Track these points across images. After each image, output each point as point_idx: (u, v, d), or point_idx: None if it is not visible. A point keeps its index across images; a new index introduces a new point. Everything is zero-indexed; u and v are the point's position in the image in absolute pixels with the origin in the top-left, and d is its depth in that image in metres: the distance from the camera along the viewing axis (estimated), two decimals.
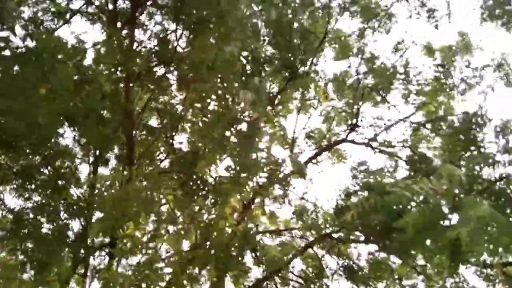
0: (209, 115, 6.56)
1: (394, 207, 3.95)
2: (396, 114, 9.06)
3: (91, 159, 7.49)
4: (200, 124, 7.92)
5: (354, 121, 9.07)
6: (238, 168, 6.39)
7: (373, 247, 8.17)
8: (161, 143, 7.26)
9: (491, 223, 3.36)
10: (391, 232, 4.89)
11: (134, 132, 6.60)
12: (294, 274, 9.10)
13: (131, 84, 6.16)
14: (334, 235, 8.33)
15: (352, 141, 9.23)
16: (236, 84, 6.11)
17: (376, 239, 5.44)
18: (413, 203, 3.78)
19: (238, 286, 9.21)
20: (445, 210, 3.80)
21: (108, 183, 7.57)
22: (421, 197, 3.75)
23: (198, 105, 7.54)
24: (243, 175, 6.38)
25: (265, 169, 6.74)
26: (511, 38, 8.57)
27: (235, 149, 6.37)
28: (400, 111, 9.03)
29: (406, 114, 8.98)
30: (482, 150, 6.81)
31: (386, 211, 4.33)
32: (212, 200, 6.66)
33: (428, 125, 8.61)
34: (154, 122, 7.70)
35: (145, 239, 8.61)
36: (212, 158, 6.52)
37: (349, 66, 8.98)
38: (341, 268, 8.93)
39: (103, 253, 8.47)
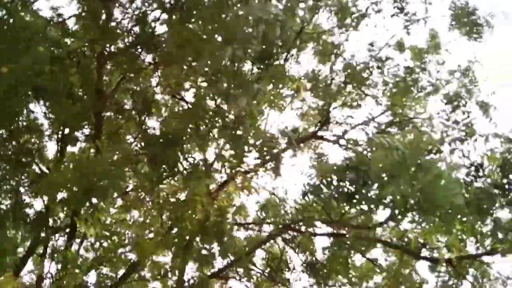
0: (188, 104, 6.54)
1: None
2: (366, 114, 9.34)
3: (60, 137, 7.34)
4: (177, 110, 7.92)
5: (325, 118, 9.29)
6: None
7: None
8: (131, 125, 7.21)
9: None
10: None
11: (104, 111, 6.52)
12: (255, 266, 9.22)
13: (105, 63, 6.09)
14: (296, 227, 8.53)
15: (321, 137, 9.44)
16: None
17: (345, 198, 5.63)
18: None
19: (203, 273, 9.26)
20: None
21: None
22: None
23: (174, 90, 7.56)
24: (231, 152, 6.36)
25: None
26: (476, 48, 8.99)
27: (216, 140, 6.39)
28: (370, 111, 9.31)
29: (375, 114, 9.25)
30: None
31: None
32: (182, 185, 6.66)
33: (394, 127, 8.91)
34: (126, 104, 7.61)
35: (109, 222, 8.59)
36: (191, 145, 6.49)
37: (331, 68, 9.15)
38: (303, 264, 9.14)
39: (64, 234, 8.34)
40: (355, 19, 8.54)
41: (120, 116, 6.97)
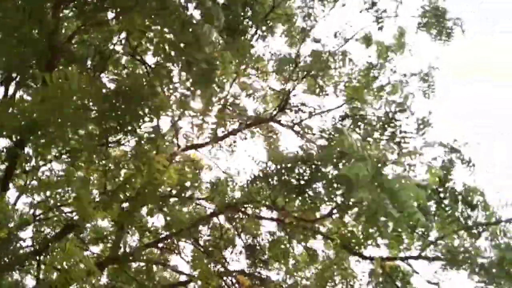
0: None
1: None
2: (324, 104, 9.41)
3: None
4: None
5: (284, 103, 9.28)
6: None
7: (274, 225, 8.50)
8: (84, 79, 6.89)
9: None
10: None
11: (56, 59, 6.20)
12: (195, 241, 9.19)
13: (60, 8, 5.75)
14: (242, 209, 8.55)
15: (278, 122, 9.44)
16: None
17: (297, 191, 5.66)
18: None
19: (142, 243, 9.17)
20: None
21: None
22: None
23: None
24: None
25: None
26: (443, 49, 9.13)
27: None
28: (329, 101, 9.39)
29: (334, 105, 9.34)
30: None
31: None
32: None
33: (349, 119, 9.01)
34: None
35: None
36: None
37: (297, 53, 9.08)
38: (243, 245, 9.20)
39: None
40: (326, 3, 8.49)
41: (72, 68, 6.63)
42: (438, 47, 8.86)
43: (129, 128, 6.44)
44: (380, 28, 8.62)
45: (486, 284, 5.27)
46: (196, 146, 9.33)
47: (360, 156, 3.92)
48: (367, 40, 9.07)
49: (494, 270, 5.17)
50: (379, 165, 4.11)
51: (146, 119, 6.38)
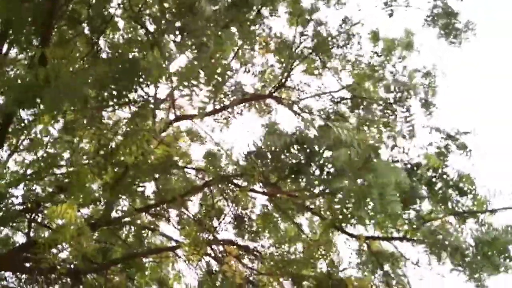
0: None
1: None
2: (324, 85, 9.40)
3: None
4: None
5: (284, 80, 9.27)
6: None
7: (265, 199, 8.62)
8: (82, 41, 6.82)
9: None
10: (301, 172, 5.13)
11: (54, 19, 6.07)
12: (187, 210, 9.32)
13: None
14: (235, 181, 8.64)
15: (277, 98, 9.44)
16: None
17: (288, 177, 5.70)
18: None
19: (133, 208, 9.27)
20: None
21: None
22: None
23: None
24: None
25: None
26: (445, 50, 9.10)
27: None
28: (328, 83, 9.38)
29: (334, 87, 9.34)
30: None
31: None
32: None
33: (348, 104, 9.06)
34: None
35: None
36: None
37: (301, 33, 8.99)
38: (233, 216, 9.33)
39: None
40: None
41: (71, 31, 6.53)
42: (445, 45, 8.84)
43: (124, 93, 6.41)
44: (390, 15, 8.50)
45: (463, 268, 5.44)
46: (191, 117, 9.34)
47: (347, 144, 3.94)
48: (374, 36, 8.99)
49: (469, 254, 5.32)
50: (370, 153, 4.14)
51: (143, 86, 6.34)
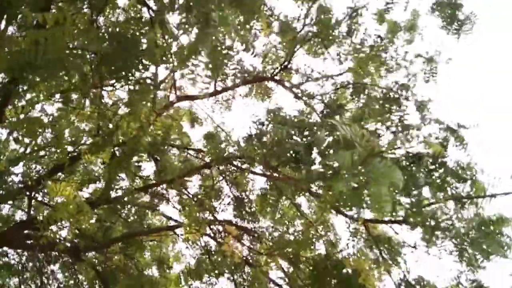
0: None
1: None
2: (326, 69, 9.33)
3: None
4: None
5: (286, 63, 9.18)
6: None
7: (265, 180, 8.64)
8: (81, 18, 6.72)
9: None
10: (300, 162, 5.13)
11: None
12: (186, 190, 9.35)
13: None
14: (235, 163, 8.66)
15: (278, 81, 9.37)
16: None
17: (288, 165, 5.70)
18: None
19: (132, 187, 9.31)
20: None
21: None
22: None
23: None
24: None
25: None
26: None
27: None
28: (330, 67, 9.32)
29: (336, 72, 9.26)
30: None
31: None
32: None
33: (350, 88, 8.99)
34: None
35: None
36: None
37: (306, 14, 8.85)
38: (232, 197, 9.38)
39: None
40: None
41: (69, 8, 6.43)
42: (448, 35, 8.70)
43: (124, 73, 6.35)
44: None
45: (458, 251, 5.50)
46: (192, 98, 9.30)
47: (349, 144, 3.92)
48: (380, 16, 8.86)
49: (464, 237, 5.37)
50: (369, 152, 4.10)
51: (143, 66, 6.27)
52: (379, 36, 9.22)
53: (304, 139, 4.62)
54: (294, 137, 4.98)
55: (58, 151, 7.95)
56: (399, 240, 7.10)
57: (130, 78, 6.42)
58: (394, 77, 9.12)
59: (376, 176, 3.62)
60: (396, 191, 4.36)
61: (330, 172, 4.41)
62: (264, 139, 6.53)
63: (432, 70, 9.07)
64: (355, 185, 3.96)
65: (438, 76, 9.04)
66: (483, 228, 5.10)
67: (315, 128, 4.64)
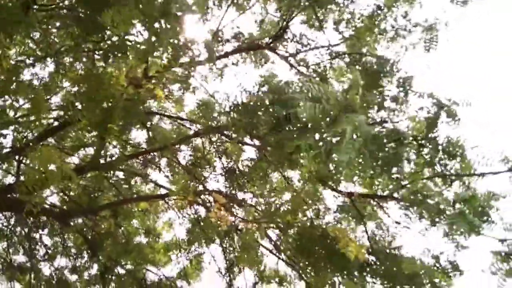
0: None
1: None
2: (322, 39, 9.08)
3: None
4: None
5: (282, 31, 8.92)
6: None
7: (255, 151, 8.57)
8: None
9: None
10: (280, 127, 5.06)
11: None
12: (177, 159, 9.29)
13: None
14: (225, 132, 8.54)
15: (273, 50, 9.14)
16: None
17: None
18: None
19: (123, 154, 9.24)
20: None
21: None
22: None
23: None
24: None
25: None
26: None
27: None
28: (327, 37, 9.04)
29: (332, 42, 9.01)
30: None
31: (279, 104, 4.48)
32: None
33: (346, 58, 8.78)
34: None
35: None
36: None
37: None
38: (223, 168, 9.32)
39: None
40: None
41: None
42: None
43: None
44: None
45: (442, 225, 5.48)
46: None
47: (315, 99, 3.82)
48: None
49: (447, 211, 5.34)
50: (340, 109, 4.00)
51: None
52: (377, 6, 8.93)
53: (282, 107, 4.51)
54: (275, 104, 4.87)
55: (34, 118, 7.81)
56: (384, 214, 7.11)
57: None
58: (393, 47, 8.95)
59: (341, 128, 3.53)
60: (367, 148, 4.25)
61: (296, 128, 4.33)
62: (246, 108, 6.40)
63: (432, 39, 8.81)
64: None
65: (439, 46, 8.80)
66: (456, 206, 5.05)
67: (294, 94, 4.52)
